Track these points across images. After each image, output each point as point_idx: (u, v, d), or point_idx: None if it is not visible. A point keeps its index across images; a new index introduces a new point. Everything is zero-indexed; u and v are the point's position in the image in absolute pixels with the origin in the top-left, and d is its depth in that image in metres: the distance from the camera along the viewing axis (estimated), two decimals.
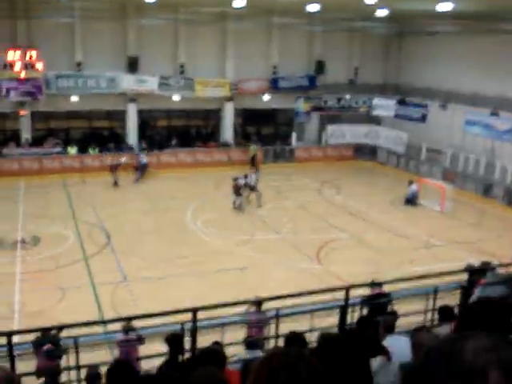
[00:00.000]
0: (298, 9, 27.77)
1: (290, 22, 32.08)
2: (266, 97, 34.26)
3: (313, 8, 26.04)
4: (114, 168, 28.28)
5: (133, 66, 31.15)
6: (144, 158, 30.11)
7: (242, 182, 24.87)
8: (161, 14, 30.22)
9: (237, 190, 24.55)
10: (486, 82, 29.02)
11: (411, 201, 26.14)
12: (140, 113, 32.62)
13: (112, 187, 27.77)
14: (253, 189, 25.51)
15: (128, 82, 31.02)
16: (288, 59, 34.22)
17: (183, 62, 32.39)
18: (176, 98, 32.21)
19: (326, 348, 3.46)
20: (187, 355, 7.67)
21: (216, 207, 24.83)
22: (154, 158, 31.44)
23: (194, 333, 7.76)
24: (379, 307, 10.27)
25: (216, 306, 8.06)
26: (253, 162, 32.00)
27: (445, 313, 7.46)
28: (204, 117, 35.64)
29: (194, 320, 7.69)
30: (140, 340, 9.53)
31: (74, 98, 30.60)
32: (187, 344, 8.17)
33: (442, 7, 22.79)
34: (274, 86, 34.04)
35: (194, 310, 7.66)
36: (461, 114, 29.34)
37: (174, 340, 7.72)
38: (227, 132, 34.17)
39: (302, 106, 34.36)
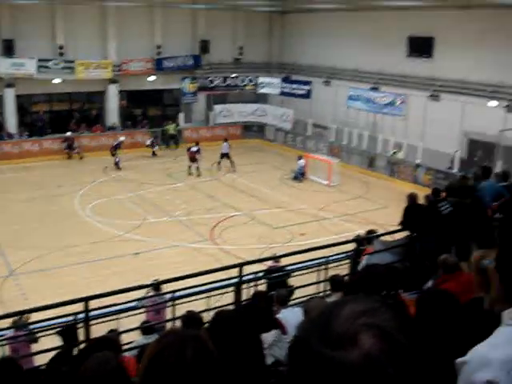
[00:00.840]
0: None
1: (172, 0, 31.56)
2: (151, 77, 33.65)
3: None
4: (113, 149, 28.45)
5: (8, 49, 29.51)
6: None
7: (194, 149, 27.18)
8: None
9: (192, 158, 27.03)
10: (367, 58, 30.02)
11: (299, 176, 26.72)
12: (19, 98, 31.07)
13: (113, 169, 28.11)
14: (225, 156, 28.16)
15: (4, 66, 29.41)
16: (172, 39, 33.74)
17: (62, 44, 31.10)
18: (56, 81, 30.93)
19: (219, 326, 3.45)
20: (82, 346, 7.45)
21: (105, 193, 24.20)
22: (36, 144, 30.15)
23: (86, 323, 7.54)
24: (277, 281, 10.43)
25: (108, 294, 7.85)
26: (175, 141, 32.91)
27: (335, 282, 7.67)
28: (88, 100, 34.51)
29: (87, 310, 7.46)
30: (30, 335, 9.13)
31: None
32: (82, 335, 7.94)
33: None
34: (158, 66, 33.48)
35: (86, 300, 7.43)
36: (344, 90, 30.22)
37: (67, 332, 7.48)
38: (113, 115, 33.29)
39: (188, 86, 34.07)
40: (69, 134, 30.46)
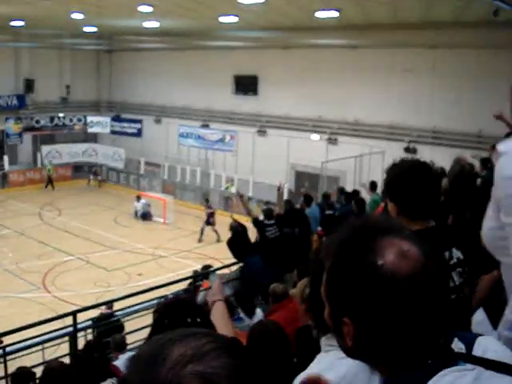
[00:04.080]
0: (1, 24, 26.12)
1: None
2: None
3: (17, 23, 24.70)
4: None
5: None
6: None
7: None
8: None
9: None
10: (196, 96, 30.59)
11: (146, 215, 26.38)
12: None
13: None
14: None
15: None
16: None
17: None
18: None
19: (50, 380, 3.33)
20: None
21: None
22: None
23: None
24: (113, 327, 10.17)
25: None
26: (50, 182, 31.74)
27: None
28: None
29: None
30: None
31: None
32: None
33: (149, 24, 23.43)
34: None
35: None
36: (175, 127, 30.53)
37: None
38: None
39: (12, 126, 32.45)
40: None
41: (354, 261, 1.21)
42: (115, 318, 10.48)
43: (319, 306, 2.27)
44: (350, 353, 1.29)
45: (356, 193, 13.64)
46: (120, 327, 10.20)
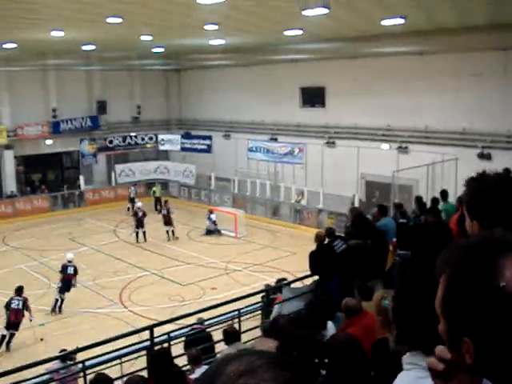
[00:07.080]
0: (74, 49, 27.17)
1: (65, 62, 31.24)
2: (49, 141, 32.98)
3: (88, 47, 25.65)
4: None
5: None
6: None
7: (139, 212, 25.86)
8: None
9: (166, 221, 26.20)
10: (263, 110, 30.84)
11: (216, 231, 26.68)
12: None
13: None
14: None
15: None
16: (68, 101, 33.29)
17: None
18: None
19: None
20: None
21: (5, 263, 23.14)
22: None
23: None
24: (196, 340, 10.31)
25: (14, 371, 7.51)
26: (159, 203, 30.71)
27: (227, 334, 7.72)
28: None
29: None
30: None
31: None
32: None
33: (215, 42, 23.85)
34: (55, 129, 32.89)
35: None
36: (243, 142, 30.80)
37: None
38: (10, 182, 32.17)
39: (86, 147, 33.55)
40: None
41: (474, 282, 1.16)
42: (192, 332, 10.62)
43: (404, 319, 2.23)
44: (468, 368, 1.24)
45: (435, 201, 13.16)
46: (209, 337, 10.36)
